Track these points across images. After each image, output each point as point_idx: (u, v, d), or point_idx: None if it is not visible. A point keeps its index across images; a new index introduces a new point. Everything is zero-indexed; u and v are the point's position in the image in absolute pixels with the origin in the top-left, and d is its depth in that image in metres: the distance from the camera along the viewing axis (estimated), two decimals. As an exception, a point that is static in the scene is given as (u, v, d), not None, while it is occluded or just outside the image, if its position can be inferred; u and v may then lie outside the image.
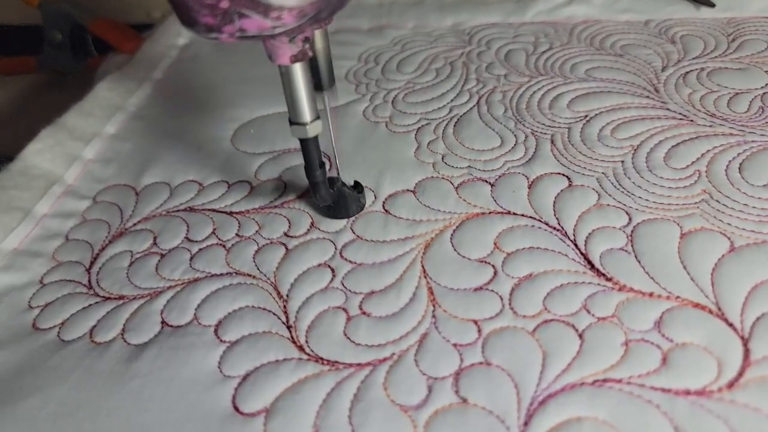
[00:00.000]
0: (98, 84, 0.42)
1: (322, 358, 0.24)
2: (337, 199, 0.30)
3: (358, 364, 0.24)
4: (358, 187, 0.32)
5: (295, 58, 0.23)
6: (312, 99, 0.25)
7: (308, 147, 0.26)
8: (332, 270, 0.28)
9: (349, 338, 0.25)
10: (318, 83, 0.27)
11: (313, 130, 0.26)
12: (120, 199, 0.35)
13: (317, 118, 0.26)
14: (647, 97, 0.36)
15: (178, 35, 0.51)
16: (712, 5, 0.43)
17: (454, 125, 0.36)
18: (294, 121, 0.25)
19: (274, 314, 0.26)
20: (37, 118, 0.42)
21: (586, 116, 0.35)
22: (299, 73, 0.24)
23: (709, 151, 0.32)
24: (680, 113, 0.35)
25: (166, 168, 0.36)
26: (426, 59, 0.43)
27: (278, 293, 0.27)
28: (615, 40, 0.42)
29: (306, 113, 0.25)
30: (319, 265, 0.28)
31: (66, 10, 0.50)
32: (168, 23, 0.52)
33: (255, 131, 0.38)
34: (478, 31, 0.46)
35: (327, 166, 0.29)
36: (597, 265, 0.26)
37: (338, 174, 0.30)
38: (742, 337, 0.23)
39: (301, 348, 0.25)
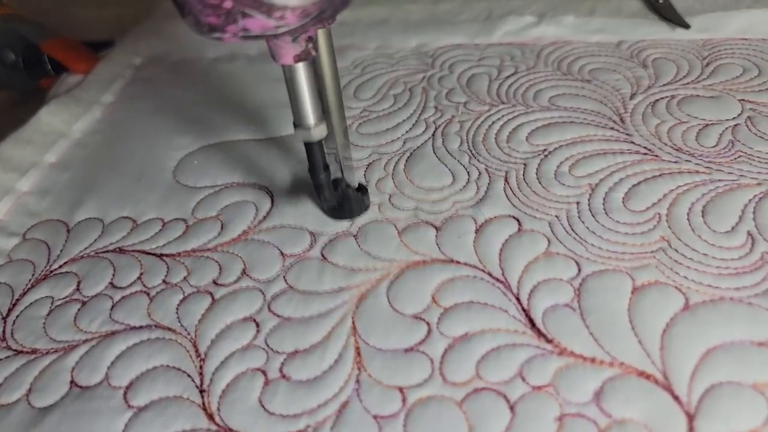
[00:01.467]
0: (42, 109, 0.40)
1: (231, 430, 0.22)
2: (341, 200, 0.29)
3: (269, 439, 0.22)
4: (362, 188, 0.31)
5: (298, 58, 0.23)
6: (316, 100, 0.25)
7: (313, 150, 0.26)
8: (257, 325, 0.26)
9: (263, 406, 0.23)
10: (321, 85, 0.26)
11: (318, 133, 0.25)
12: (50, 237, 0.33)
13: (322, 120, 0.25)
14: (611, 128, 0.34)
15: (135, 55, 0.50)
16: (687, 26, 0.41)
17: (406, 160, 0.34)
18: (298, 123, 0.25)
19: (189, 375, 0.24)
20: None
21: (545, 150, 0.33)
22: (303, 73, 0.23)
23: (672, 191, 0.30)
24: (645, 147, 0.32)
25: (102, 202, 0.34)
26: (385, 84, 0.41)
27: (196, 351, 0.25)
28: (584, 63, 0.40)
29: (310, 115, 0.25)
30: (244, 318, 0.26)
31: (18, 29, 0.48)
32: (125, 42, 0.50)
33: (198, 162, 0.36)
34: (443, 53, 0.43)
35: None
36: (538, 323, 0.24)
37: (342, 175, 0.29)
38: (688, 413, 0.21)
39: (211, 417, 0.23)
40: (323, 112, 0.26)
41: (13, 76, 0.49)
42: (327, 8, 0.21)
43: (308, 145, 0.26)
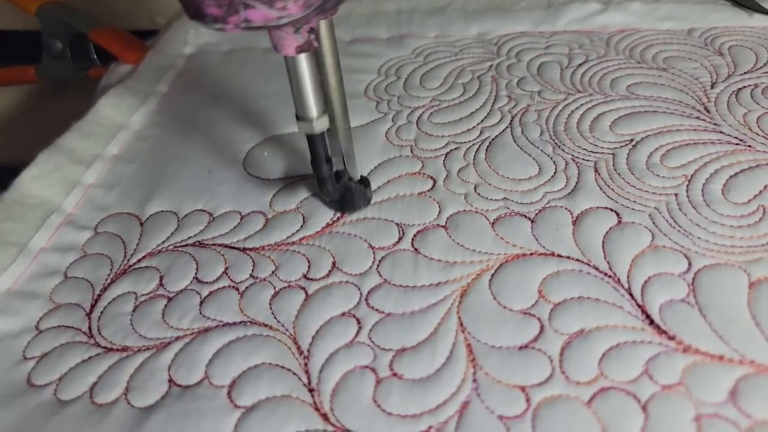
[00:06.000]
0: (99, 101, 0.39)
1: (349, 431, 0.21)
2: (344, 193, 0.29)
3: (392, 440, 0.21)
4: (364, 181, 0.31)
5: (300, 49, 0.22)
6: (319, 93, 0.25)
7: (315, 142, 0.26)
8: (358, 321, 0.25)
9: (379, 406, 0.22)
10: (323, 77, 0.27)
11: (320, 125, 0.25)
12: (123, 230, 0.32)
13: (324, 112, 0.25)
14: (697, 117, 0.33)
15: (185, 44, 0.49)
16: (767, 12, 0.40)
17: (486, 150, 0.33)
18: (300, 116, 0.25)
19: (294, 374, 0.24)
20: (37, 126, 0.39)
21: (632, 140, 0.32)
22: (305, 64, 0.23)
23: (772, 182, 0.29)
24: (736, 137, 0.31)
25: (173, 195, 0.33)
26: (451, 73, 0.40)
27: (298, 348, 0.24)
28: (657, 51, 0.39)
29: (312, 108, 0.25)
30: (343, 314, 0.26)
31: (65, 18, 0.47)
32: (173, 31, 0.49)
33: (269, 153, 0.35)
34: (507, 41, 0.42)
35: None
36: (657, 320, 0.23)
37: (345, 168, 0.29)
38: (834, 414, 0.20)
39: (325, 417, 0.22)
40: (326, 104, 0.26)
41: (60, 66, 0.49)
42: None
43: (310, 138, 0.26)
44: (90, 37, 0.47)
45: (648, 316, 0.24)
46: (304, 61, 0.23)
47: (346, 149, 0.29)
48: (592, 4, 0.43)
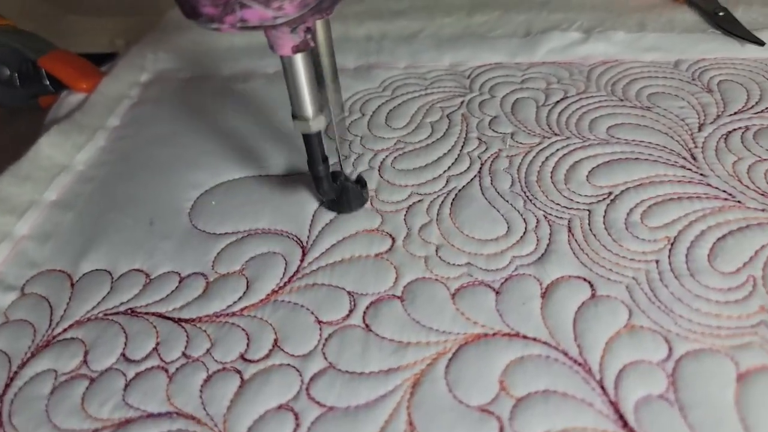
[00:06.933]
0: (40, 139, 0.36)
1: None
2: (339, 193, 0.29)
3: None
4: (361, 181, 0.31)
5: (297, 49, 0.22)
6: (315, 92, 0.24)
7: (311, 142, 0.26)
8: (296, 416, 0.22)
9: None
10: (320, 76, 0.27)
11: (316, 125, 0.25)
12: (52, 292, 0.29)
13: (321, 111, 0.25)
14: (683, 167, 0.30)
15: (141, 70, 0.45)
16: (761, 43, 0.37)
17: (452, 203, 0.30)
18: (297, 115, 0.25)
19: (220, 483, 0.21)
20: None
21: (610, 194, 0.29)
22: (301, 64, 0.23)
23: (764, 246, 0.26)
24: (725, 191, 0.29)
25: (111, 249, 0.31)
26: (419, 110, 0.37)
27: (227, 450, 0.22)
28: (641, 87, 0.36)
29: (309, 107, 0.25)
30: (280, 407, 0.23)
31: (14, 43, 0.44)
32: (130, 55, 0.46)
33: (217, 202, 0.32)
34: (481, 74, 0.39)
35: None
36: (631, 421, 0.21)
37: (341, 168, 0.30)
38: None
39: None
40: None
41: (8, 93, 0.46)
42: None
43: (306, 137, 0.26)
44: (39, 64, 0.44)
45: (621, 417, 0.21)
46: (300, 61, 0.23)
47: (342, 153, 0.30)
48: (573, 33, 0.40)
